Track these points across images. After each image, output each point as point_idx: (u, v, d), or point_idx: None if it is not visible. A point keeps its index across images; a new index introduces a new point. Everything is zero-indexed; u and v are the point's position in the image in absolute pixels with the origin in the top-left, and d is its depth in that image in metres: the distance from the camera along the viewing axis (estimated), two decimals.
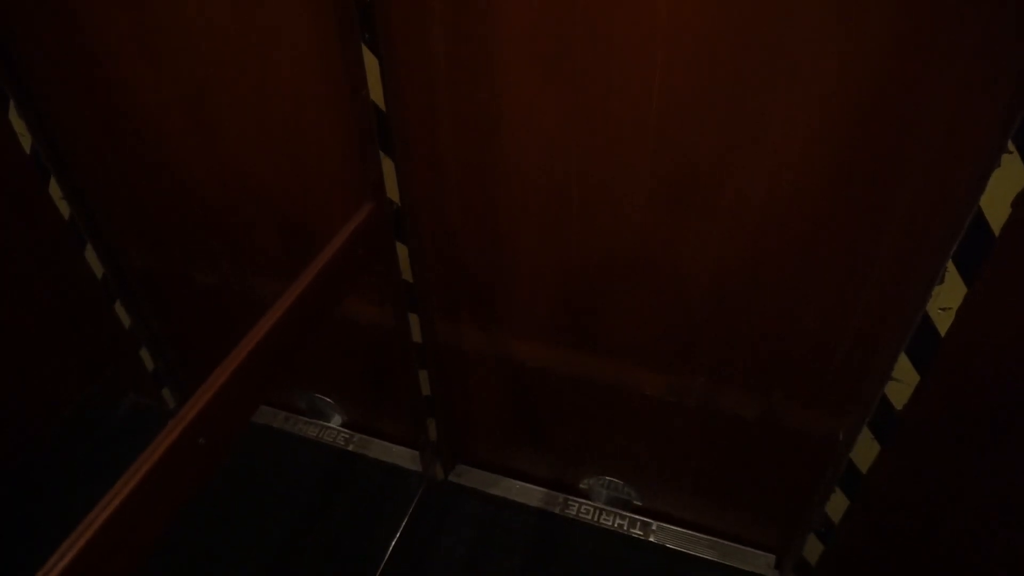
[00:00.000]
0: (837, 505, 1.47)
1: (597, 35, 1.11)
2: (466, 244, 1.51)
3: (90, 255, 1.86)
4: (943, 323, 1.11)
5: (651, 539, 1.88)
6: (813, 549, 1.59)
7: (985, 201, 0.96)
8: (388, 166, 1.36)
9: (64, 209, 1.76)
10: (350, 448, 2.14)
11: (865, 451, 1.34)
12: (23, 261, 1.90)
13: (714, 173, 1.20)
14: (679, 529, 1.89)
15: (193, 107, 1.50)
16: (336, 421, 2.18)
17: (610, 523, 1.91)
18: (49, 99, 1.61)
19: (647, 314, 1.47)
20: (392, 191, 1.40)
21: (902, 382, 1.21)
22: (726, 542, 1.85)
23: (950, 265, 1.04)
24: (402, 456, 2.11)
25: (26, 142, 1.64)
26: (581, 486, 1.96)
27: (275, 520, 1.96)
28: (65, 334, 2.08)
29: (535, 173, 1.33)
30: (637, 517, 1.92)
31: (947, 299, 1.08)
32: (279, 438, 2.18)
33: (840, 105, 1.05)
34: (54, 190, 1.72)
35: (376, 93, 1.25)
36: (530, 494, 1.99)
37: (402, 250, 1.51)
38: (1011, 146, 0.92)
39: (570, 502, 1.97)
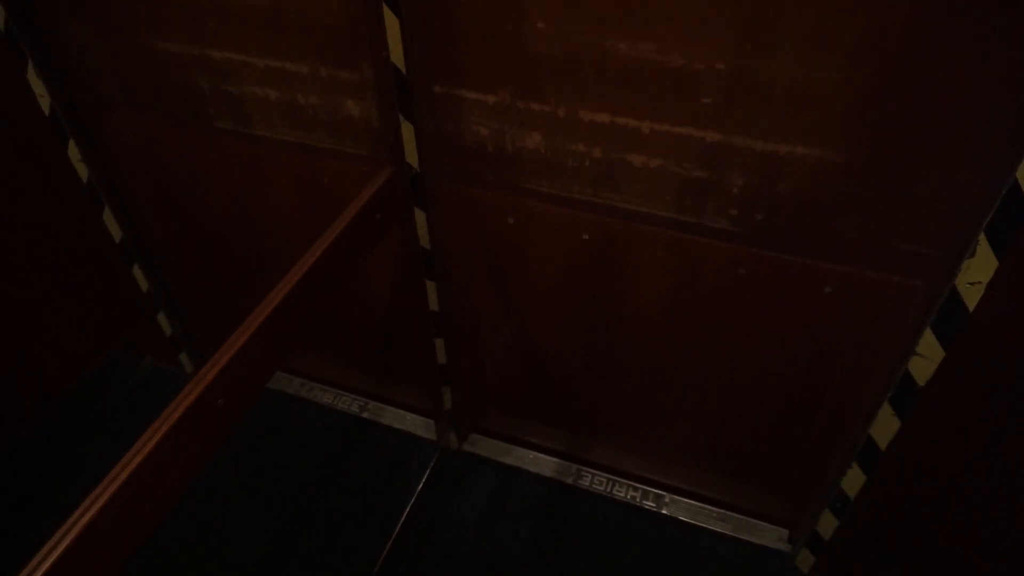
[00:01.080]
0: (854, 480, 1.46)
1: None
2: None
3: (108, 218, 1.86)
4: (972, 298, 1.08)
5: (664, 511, 1.88)
6: (827, 524, 1.59)
7: (1021, 172, 0.94)
8: (408, 130, 1.34)
9: (82, 171, 1.76)
10: (364, 415, 2.15)
11: (885, 426, 1.33)
12: (41, 223, 1.90)
13: None
14: (692, 502, 1.89)
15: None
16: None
17: (623, 494, 1.92)
18: (69, 59, 1.60)
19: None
20: (411, 156, 1.38)
21: (926, 357, 1.19)
22: (739, 515, 1.85)
23: (982, 237, 1.02)
24: (416, 424, 2.11)
25: (45, 103, 1.63)
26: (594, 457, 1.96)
27: (288, 485, 1.98)
28: (83, 297, 2.09)
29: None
30: (650, 489, 1.92)
31: (977, 273, 1.05)
32: (294, 404, 2.19)
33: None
34: (72, 152, 1.72)
35: (397, 55, 1.23)
36: (543, 464, 2.00)
37: (420, 216, 1.49)
38: None
39: (583, 472, 1.97)
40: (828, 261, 1.26)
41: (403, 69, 1.25)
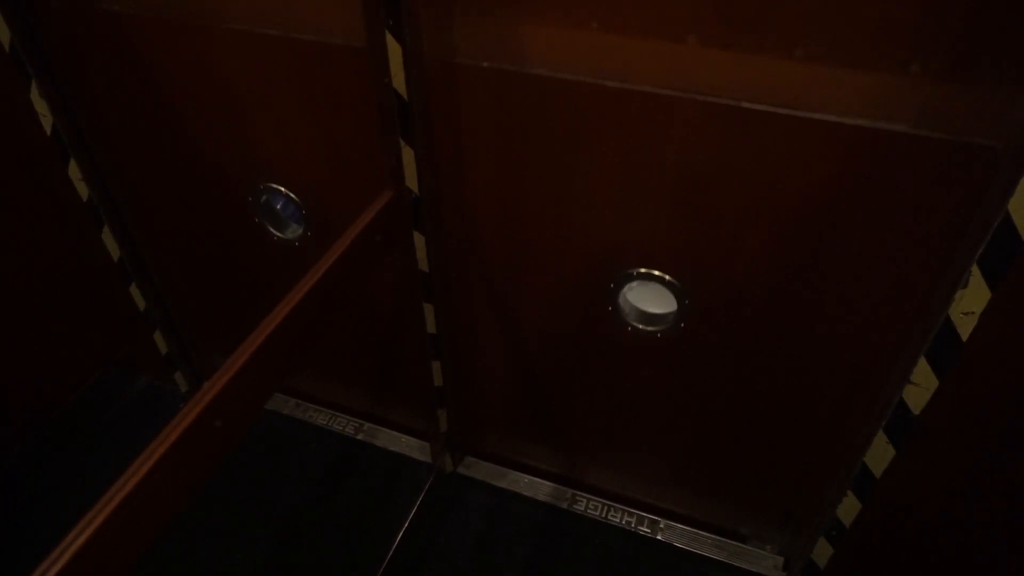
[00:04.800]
0: (849, 508, 1.46)
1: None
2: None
3: (107, 237, 1.86)
4: (965, 328, 1.09)
5: (659, 537, 1.87)
6: (823, 552, 1.58)
7: (1014, 205, 0.95)
8: (408, 155, 1.36)
9: (83, 190, 1.76)
10: (359, 437, 2.14)
11: (880, 454, 1.33)
12: (40, 241, 1.91)
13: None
14: (687, 528, 1.88)
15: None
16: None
17: (618, 520, 1.91)
18: (72, 81, 1.61)
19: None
20: (411, 180, 1.40)
21: (920, 386, 1.20)
22: (734, 542, 1.85)
23: (975, 269, 1.03)
24: (411, 446, 2.11)
25: (47, 123, 1.64)
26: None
27: (283, 507, 1.97)
28: (80, 315, 2.09)
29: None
30: (645, 515, 1.91)
31: (970, 303, 1.07)
32: (289, 424, 2.18)
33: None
34: (73, 171, 1.73)
35: (399, 81, 1.25)
36: (538, 488, 1.99)
37: (419, 239, 1.50)
38: None
39: (578, 497, 1.96)
40: None
41: (404, 94, 1.27)
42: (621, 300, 1.49)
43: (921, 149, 1.04)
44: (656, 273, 1.40)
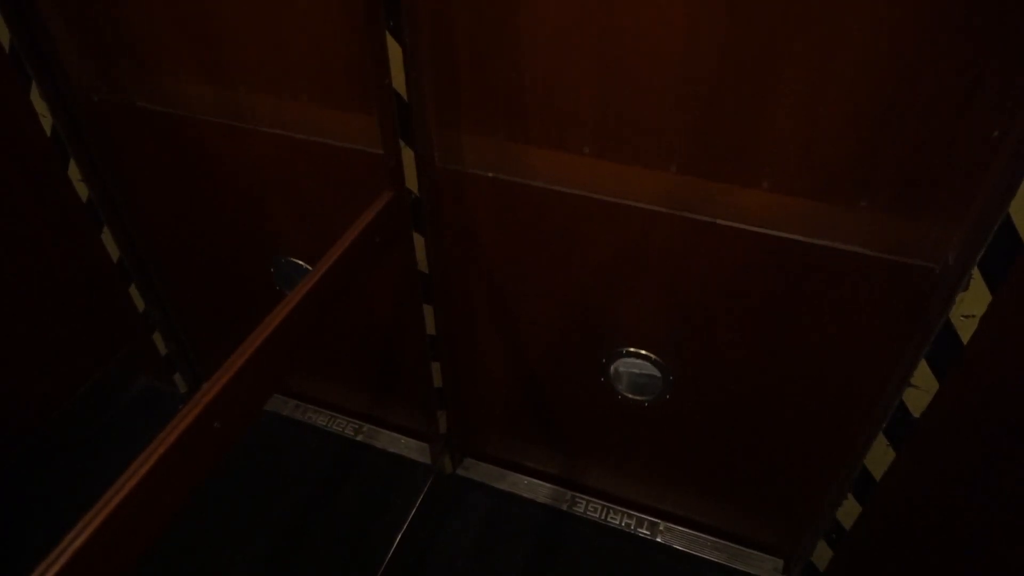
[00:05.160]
0: (849, 511, 1.45)
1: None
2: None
3: (107, 238, 1.86)
4: (966, 331, 1.09)
5: (658, 539, 1.87)
6: (822, 555, 1.58)
7: (1015, 207, 0.95)
8: (408, 156, 1.36)
9: (82, 191, 1.76)
10: (359, 438, 2.14)
11: (880, 457, 1.33)
12: (40, 242, 1.91)
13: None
14: (687, 530, 1.88)
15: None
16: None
17: (617, 522, 1.91)
18: (72, 80, 1.61)
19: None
20: (411, 181, 1.40)
21: (921, 389, 1.20)
22: (734, 545, 1.85)
23: (976, 272, 1.03)
24: (410, 448, 2.11)
25: (47, 123, 1.64)
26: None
27: (282, 508, 1.97)
28: (80, 316, 2.09)
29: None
30: (645, 517, 1.91)
31: (971, 306, 1.06)
32: (289, 426, 2.18)
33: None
34: (73, 172, 1.73)
35: (399, 82, 1.25)
36: (537, 490, 1.99)
37: (418, 240, 1.50)
38: None
39: (577, 499, 1.96)
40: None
41: (404, 96, 1.27)
42: (612, 370, 1.63)
43: (872, 266, 1.20)
44: (643, 352, 1.55)
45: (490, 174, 1.37)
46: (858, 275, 1.22)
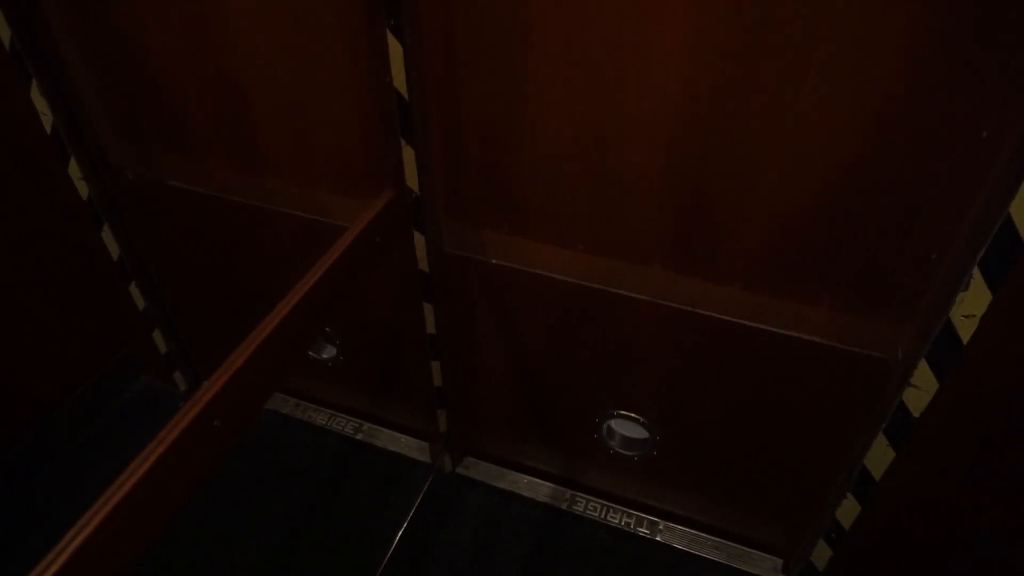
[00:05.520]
0: (848, 510, 1.45)
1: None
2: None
3: (107, 236, 1.86)
4: (966, 330, 1.09)
5: (658, 538, 1.87)
6: (822, 554, 1.58)
7: (1015, 207, 0.95)
8: (408, 155, 1.36)
9: (83, 189, 1.76)
10: (359, 437, 2.14)
11: (879, 457, 1.33)
12: (40, 240, 1.91)
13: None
14: (686, 529, 1.88)
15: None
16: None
17: (617, 521, 1.91)
18: (72, 79, 1.61)
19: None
20: (412, 180, 1.39)
21: (921, 388, 1.20)
22: (733, 544, 1.85)
23: (976, 272, 1.03)
24: (410, 447, 2.11)
25: (47, 121, 1.64)
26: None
27: (282, 507, 1.97)
28: (79, 314, 2.09)
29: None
30: (644, 516, 1.91)
31: (971, 306, 1.06)
32: (289, 424, 2.18)
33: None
34: (73, 170, 1.73)
35: (399, 80, 1.25)
36: (537, 489, 1.99)
37: (419, 239, 1.50)
38: None
39: (577, 498, 1.96)
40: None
41: (405, 94, 1.27)
42: (604, 428, 1.78)
43: (832, 355, 1.35)
44: (632, 415, 1.70)
45: (493, 260, 1.55)
46: (820, 361, 1.38)
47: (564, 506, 1.95)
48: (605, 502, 1.94)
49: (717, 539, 1.86)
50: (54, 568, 0.77)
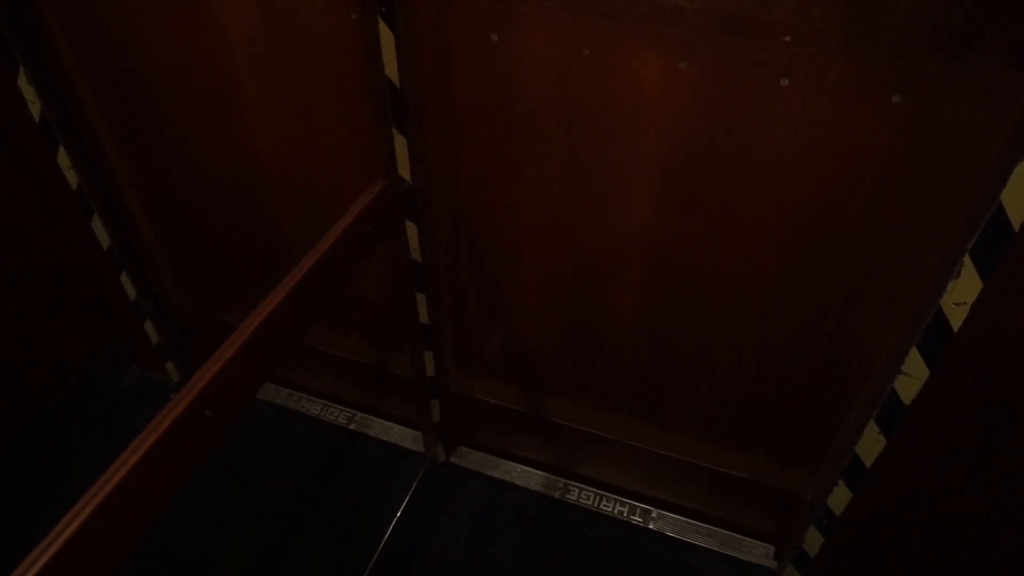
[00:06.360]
0: (840, 497, 1.46)
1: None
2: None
3: (97, 226, 1.85)
4: (957, 318, 1.10)
5: (651, 526, 1.88)
6: (813, 541, 1.59)
7: (1006, 195, 0.95)
8: (400, 144, 1.35)
9: (72, 178, 1.75)
10: (352, 427, 2.14)
11: (871, 444, 1.34)
12: (29, 230, 1.89)
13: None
14: (679, 517, 1.89)
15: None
16: None
17: (610, 509, 1.92)
18: (61, 66, 1.59)
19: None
20: (404, 169, 1.39)
21: (912, 376, 1.20)
22: (725, 531, 1.86)
23: (967, 259, 1.03)
24: (403, 436, 2.11)
25: (35, 109, 1.62)
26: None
27: (274, 497, 1.97)
28: (70, 305, 2.08)
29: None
30: (637, 504, 1.92)
31: (962, 294, 1.07)
32: (281, 415, 2.18)
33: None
34: (62, 159, 1.71)
35: (391, 69, 1.24)
36: (531, 478, 2.00)
37: (411, 229, 1.50)
38: None
39: (570, 487, 1.97)
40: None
41: (397, 82, 1.26)
42: None
43: (762, 490, 1.71)
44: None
45: (492, 400, 1.86)
46: (754, 494, 1.73)
47: (557, 495, 1.95)
48: (598, 490, 1.95)
49: (709, 526, 1.87)
50: (45, 559, 0.77)
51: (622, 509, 1.91)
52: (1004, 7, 0.90)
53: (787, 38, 1.02)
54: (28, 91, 1.59)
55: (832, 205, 1.16)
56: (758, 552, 1.82)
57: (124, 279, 1.99)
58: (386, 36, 1.20)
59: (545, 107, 1.25)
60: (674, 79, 1.13)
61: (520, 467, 2.02)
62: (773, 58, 1.05)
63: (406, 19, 1.20)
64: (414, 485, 1.93)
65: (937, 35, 0.95)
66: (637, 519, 1.89)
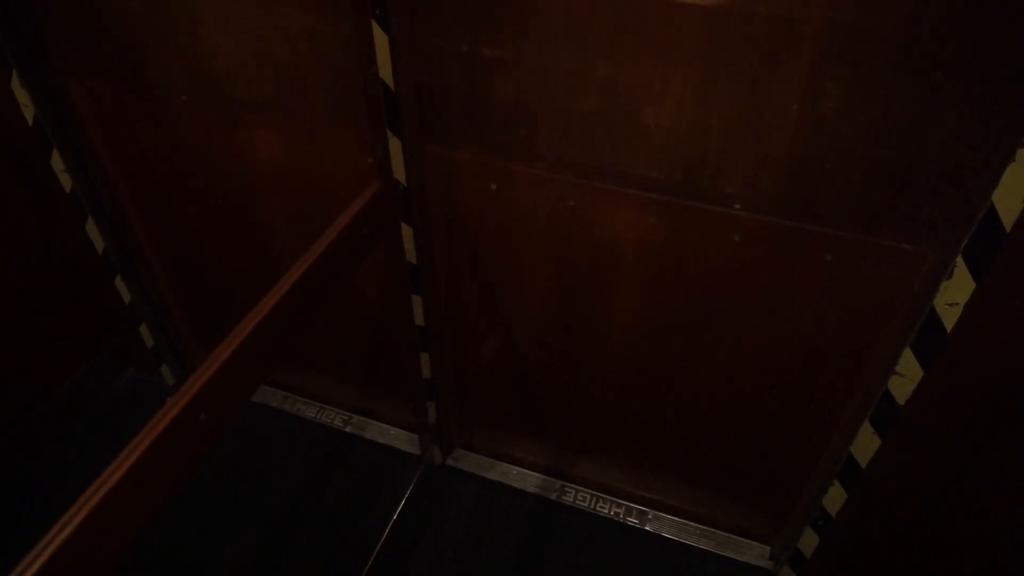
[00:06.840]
0: (835, 498, 1.47)
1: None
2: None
3: (91, 229, 1.85)
4: (949, 318, 1.10)
5: (647, 528, 1.88)
6: (809, 541, 1.60)
7: (998, 196, 0.96)
8: (395, 146, 1.35)
9: (66, 182, 1.75)
10: (348, 429, 2.14)
11: (866, 445, 1.34)
12: (24, 233, 1.89)
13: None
14: (675, 518, 1.89)
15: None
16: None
17: (606, 511, 1.92)
18: (55, 70, 1.59)
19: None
20: (399, 171, 1.39)
21: (905, 377, 1.21)
22: (721, 532, 1.86)
23: (959, 260, 1.04)
24: (399, 439, 2.11)
25: (29, 113, 1.62)
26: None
27: (270, 499, 1.97)
28: (66, 308, 2.07)
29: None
30: (633, 505, 1.92)
31: (955, 294, 1.07)
32: (277, 417, 2.18)
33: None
34: (56, 162, 1.71)
35: (385, 71, 1.24)
36: (527, 480, 2.00)
37: (407, 231, 1.50)
38: None
39: (567, 488, 1.97)
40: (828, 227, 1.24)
41: (391, 85, 1.26)
42: None
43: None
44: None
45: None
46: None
47: (554, 496, 1.95)
48: (594, 492, 1.95)
49: (705, 527, 1.87)
50: (41, 561, 0.77)
51: (618, 510, 1.92)
52: (909, 193, 1.09)
53: (737, 206, 1.24)
54: (22, 95, 1.59)
55: (779, 331, 1.38)
56: (754, 553, 1.82)
57: (119, 282, 1.98)
58: (380, 38, 1.20)
59: (536, 241, 1.46)
60: (646, 230, 1.34)
61: (516, 469, 2.02)
62: (727, 219, 1.27)
63: (400, 21, 1.20)
64: (410, 487, 1.93)
65: (857, 213, 1.16)
66: (633, 520, 1.90)
